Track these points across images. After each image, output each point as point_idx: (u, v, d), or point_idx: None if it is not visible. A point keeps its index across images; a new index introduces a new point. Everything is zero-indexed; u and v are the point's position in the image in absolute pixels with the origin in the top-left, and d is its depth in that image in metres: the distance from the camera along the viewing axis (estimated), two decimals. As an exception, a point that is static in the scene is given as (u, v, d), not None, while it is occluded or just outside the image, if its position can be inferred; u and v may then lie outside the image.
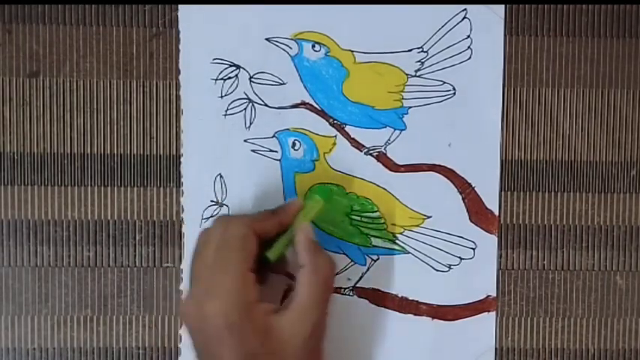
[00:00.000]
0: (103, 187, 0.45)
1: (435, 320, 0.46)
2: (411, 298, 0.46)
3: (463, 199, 0.46)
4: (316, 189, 0.45)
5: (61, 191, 0.45)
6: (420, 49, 0.46)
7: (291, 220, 0.42)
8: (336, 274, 0.46)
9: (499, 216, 0.46)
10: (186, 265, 0.45)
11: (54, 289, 0.45)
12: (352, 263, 0.46)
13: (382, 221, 0.46)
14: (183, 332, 0.46)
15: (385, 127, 0.46)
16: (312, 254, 0.41)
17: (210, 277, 0.38)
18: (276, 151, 0.46)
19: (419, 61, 0.46)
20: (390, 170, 0.46)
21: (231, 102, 0.45)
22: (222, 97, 0.45)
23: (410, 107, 0.46)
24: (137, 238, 0.46)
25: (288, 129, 0.46)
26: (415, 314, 0.46)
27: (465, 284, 0.46)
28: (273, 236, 0.41)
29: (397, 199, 0.46)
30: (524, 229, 0.46)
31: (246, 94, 0.45)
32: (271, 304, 0.39)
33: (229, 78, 0.45)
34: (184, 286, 0.46)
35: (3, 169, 0.45)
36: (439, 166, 0.46)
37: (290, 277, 0.43)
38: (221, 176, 0.46)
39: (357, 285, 0.46)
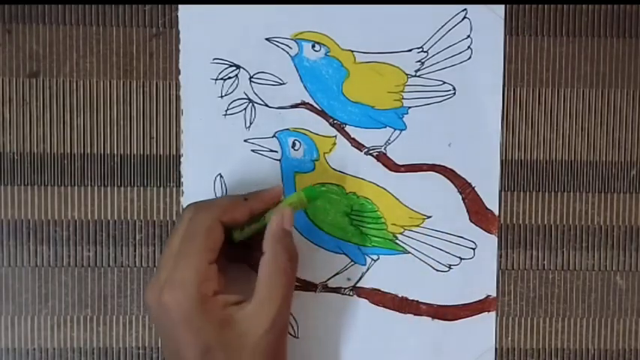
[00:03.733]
0: (103, 187, 0.45)
1: (435, 320, 0.46)
2: (411, 298, 0.46)
3: (463, 199, 0.46)
4: (309, 187, 0.45)
5: (61, 191, 0.45)
6: (420, 49, 0.46)
7: (263, 208, 0.41)
8: (336, 273, 0.46)
9: (499, 216, 0.46)
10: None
11: (54, 289, 0.45)
12: (352, 263, 0.46)
13: (382, 221, 0.46)
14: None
15: (385, 127, 0.46)
16: (276, 242, 0.40)
17: (173, 267, 0.38)
18: (276, 151, 0.46)
19: (419, 61, 0.46)
20: (390, 170, 0.46)
21: (231, 102, 0.45)
22: (222, 97, 0.45)
23: (410, 107, 0.46)
24: (137, 238, 0.46)
25: (288, 129, 0.46)
26: (415, 314, 0.46)
27: (465, 284, 0.46)
28: (245, 222, 0.41)
29: (397, 199, 0.46)
30: (524, 229, 0.46)
31: (246, 94, 0.45)
32: (234, 296, 0.39)
33: (229, 78, 0.45)
34: (184, 286, 0.46)
35: (3, 169, 0.45)
36: (439, 166, 0.46)
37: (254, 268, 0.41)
38: (221, 176, 0.46)
39: (357, 285, 0.46)
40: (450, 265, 0.46)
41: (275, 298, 0.39)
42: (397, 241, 0.46)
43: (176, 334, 0.37)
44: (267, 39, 0.45)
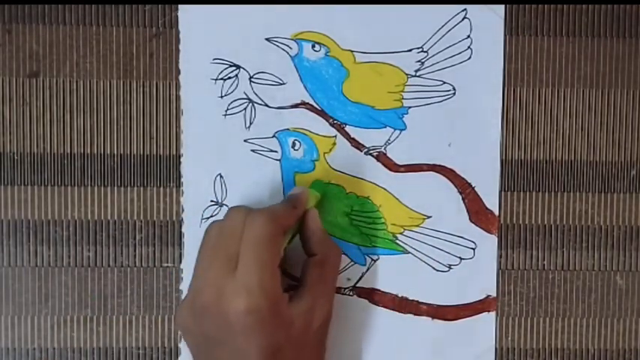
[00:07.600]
0: (103, 187, 0.45)
1: (435, 320, 0.46)
2: (411, 298, 0.46)
3: (463, 199, 0.46)
4: (314, 183, 0.45)
5: (61, 191, 0.45)
6: (420, 49, 0.46)
7: (302, 213, 0.42)
8: (336, 274, 0.46)
9: (499, 216, 0.46)
10: (186, 265, 0.45)
11: (54, 289, 0.45)
12: (352, 263, 0.46)
13: (382, 221, 0.46)
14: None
15: (385, 127, 0.46)
16: (324, 243, 0.42)
17: (239, 273, 0.37)
18: (276, 151, 0.46)
19: (419, 61, 0.46)
20: (390, 170, 0.46)
21: (231, 102, 0.45)
22: (222, 97, 0.45)
23: (410, 107, 0.46)
24: (137, 238, 0.46)
25: (288, 129, 0.46)
26: (415, 314, 0.46)
27: (465, 284, 0.46)
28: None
29: (397, 199, 0.46)
30: (524, 229, 0.46)
31: (246, 94, 0.45)
32: (286, 294, 0.39)
33: (229, 78, 0.45)
34: (184, 286, 0.46)
35: (3, 169, 0.45)
36: (439, 166, 0.46)
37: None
38: (221, 176, 0.46)
39: (357, 285, 0.46)
40: (450, 265, 0.46)
41: (330, 293, 0.42)
42: (397, 241, 0.46)
43: (247, 339, 0.37)
44: (267, 39, 0.45)
